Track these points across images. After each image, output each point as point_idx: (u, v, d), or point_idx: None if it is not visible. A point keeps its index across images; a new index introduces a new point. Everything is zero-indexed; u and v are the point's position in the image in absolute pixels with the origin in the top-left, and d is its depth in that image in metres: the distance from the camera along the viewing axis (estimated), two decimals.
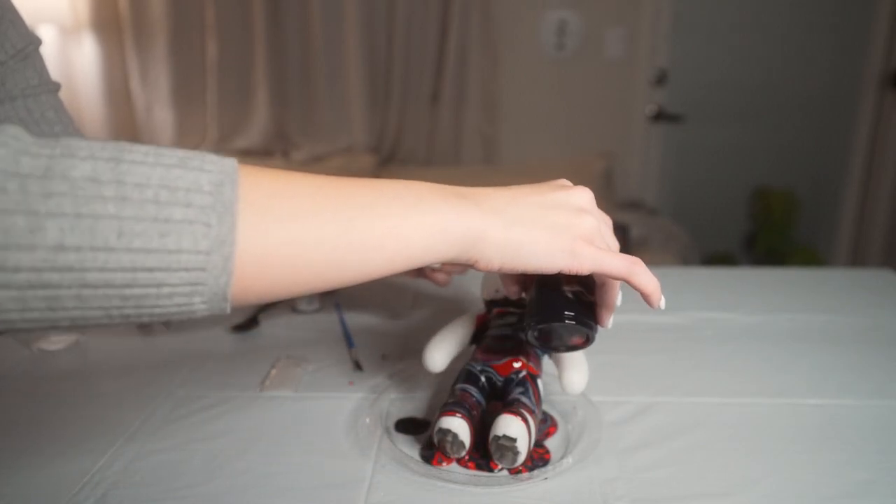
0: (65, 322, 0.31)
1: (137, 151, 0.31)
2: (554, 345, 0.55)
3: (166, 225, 0.30)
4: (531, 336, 0.53)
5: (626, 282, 0.45)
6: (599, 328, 0.52)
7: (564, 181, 0.48)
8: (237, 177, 0.33)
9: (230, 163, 0.33)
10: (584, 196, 0.46)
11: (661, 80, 2.60)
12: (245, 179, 0.33)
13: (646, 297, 0.46)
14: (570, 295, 0.51)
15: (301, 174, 0.36)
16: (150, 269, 0.30)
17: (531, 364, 0.63)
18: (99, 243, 0.29)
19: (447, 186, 0.42)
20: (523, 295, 0.57)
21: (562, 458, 0.60)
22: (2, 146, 0.28)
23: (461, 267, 0.80)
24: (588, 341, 0.52)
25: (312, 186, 0.36)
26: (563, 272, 0.43)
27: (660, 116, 2.63)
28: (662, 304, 0.47)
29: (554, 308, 0.50)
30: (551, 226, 0.42)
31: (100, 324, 0.32)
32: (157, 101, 2.58)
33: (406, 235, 0.38)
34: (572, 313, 0.50)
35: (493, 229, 0.40)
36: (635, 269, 0.44)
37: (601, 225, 0.46)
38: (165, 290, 0.31)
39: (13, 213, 0.28)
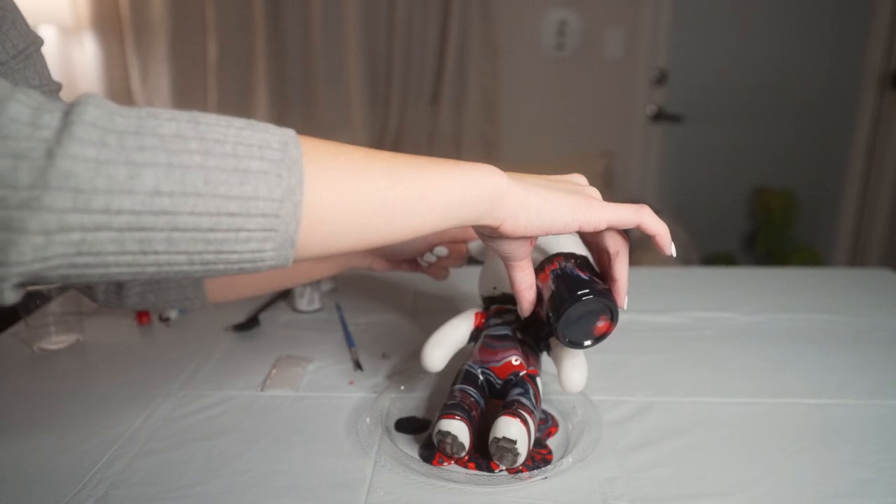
0: (151, 268, 0.34)
1: (210, 116, 0.35)
2: (582, 337, 0.55)
3: (245, 175, 0.34)
4: (559, 330, 0.54)
5: (638, 226, 0.49)
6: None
7: None
8: (298, 139, 0.37)
9: (289, 130, 0.37)
10: (581, 177, 0.53)
11: (660, 80, 2.60)
12: (305, 142, 0.37)
13: (656, 240, 0.50)
14: (583, 277, 0.54)
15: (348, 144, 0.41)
16: (232, 214, 0.34)
17: (530, 365, 0.63)
18: (189, 189, 0.33)
19: None
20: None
21: (562, 457, 0.60)
22: (96, 107, 0.32)
23: (459, 260, 0.80)
24: (613, 320, 0.54)
25: (362, 150, 0.41)
26: (583, 228, 0.47)
27: (659, 116, 2.63)
28: (673, 250, 0.51)
29: (572, 291, 0.53)
30: (564, 189, 0.48)
31: (181, 271, 0.35)
32: (157, 101, 2.58)
33: (444, 188, 0.42)
34: (588, 290, 0.52)
35: (517, 189, 0.45)
36: (643, 212, 0.49)
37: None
38: (243, 234, 0.34)
39: (115, 163, 0.31)
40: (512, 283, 0.55)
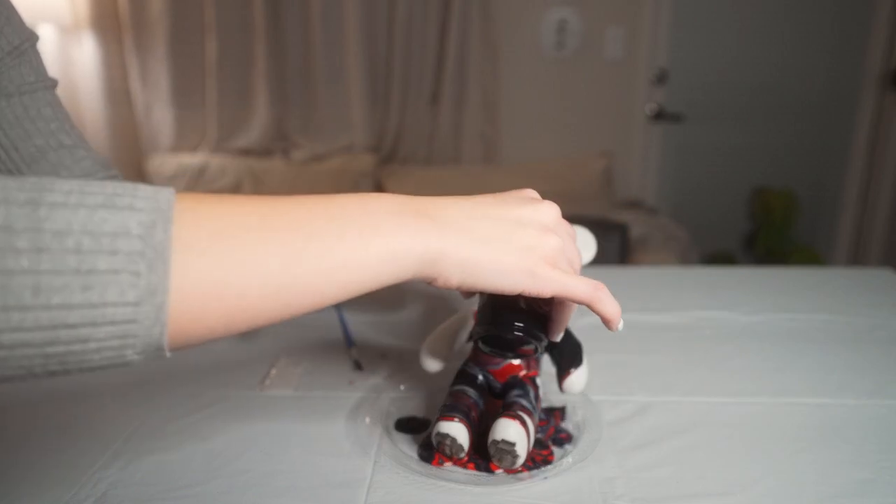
0: None
1: (59, 191, 0.28)
2: (502, 351, 0.55)
3: (88, 277, 0.28)
4: (480, 343, 0.54)
5: (588, 307, 0.44)
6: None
7: (531, 192, 0.46)
8: (171, 214, 0.30)
9: (165, 197, 0.30)
10: (550, 212, 0.44)
11: (661, 79, 2.60)
12: (181, 216, 0.30)
13: (606, 322, 0.45)
14: (522, 305, 0.50)
15: (247, 200, 0.34)
16: (73, 326, 0.28)
17: (530, 367, 0.63)
18: (11, 302, 0.27)
19: (405, 201, 0.40)
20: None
21: (561, 457, 0.60)
22: None
23: None
24: (536, 351, 0.53)
25: (257, 216, 0.33)
26: (524, 294, 0.42)
27: (660, 116, 2.63)
28: (621, 326, 0.46)
29: (504, 318, 0.50)
30: (513, 246, 0.41)
31: (25, 379, 0.29)
32: (157, 101, 2.58)
33: (359, 263, 0.36)
34: (521, 324, 0.49)
35: (451, 247, 0.39)
36: (598, 294, 0.43)
37: (565, 243, 0.44)
38: (92, 345, 0.29)
39: None
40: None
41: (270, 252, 0.33)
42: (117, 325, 0.29)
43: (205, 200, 0.32)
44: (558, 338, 0.51)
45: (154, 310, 0.29)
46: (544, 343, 0.51)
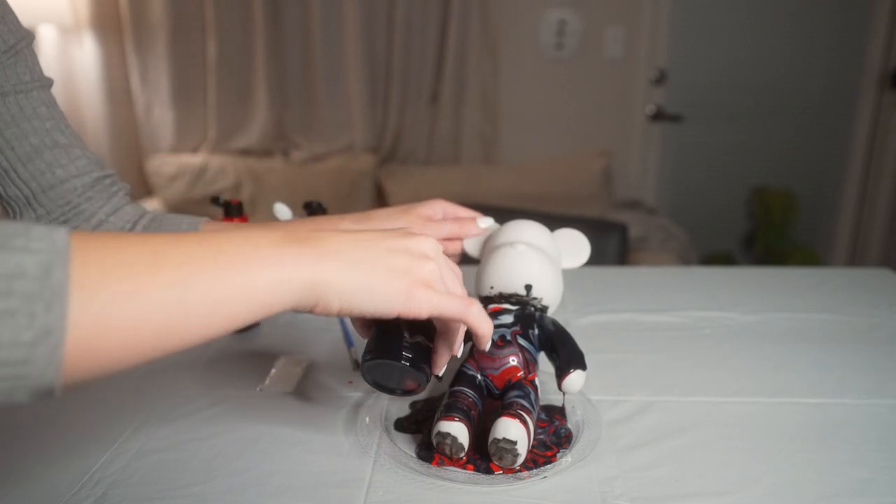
0: None
1: None
2: (388, 386, 0.54)
3: None
4: (364, 375, 0.53)
5: (463, 322, 0.47)
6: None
7: (411, 228, 0.50)
8: (68, 255, 0.30)
9: (61, 237, 0.30)
10: (427, 243, 0.46)
11: (660, 79, 2.60)
12: (77, 254, 0.31)
13: (476, 339, 0.49)
14: (407, 337, 0.51)
15: (140, 237, 0.36)
16: None
17: (529, 370, 0.63)
18: None
19: (288, 233, 0.42)
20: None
21: (561, 457, 0.60)
22: None
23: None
24: (420, 387, 0.53)
25: (149, 252, 0.34)
26: (401, 316, 0.44)
27: (659, 116, 2.63)
28: (487, 347, 0.51)
29: (389, 349, 0.51)
30: (390, 268, 0.43)
31: None
32: (157, 101, 2.58)
33: (245, 293, 0.37)
34: (410, 354, 0.51)
35: (329, 273, 0.41)
36: (471, 309, 0.46)
37: (441, 269, 0.46)
38: None
39: None
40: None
41: (162, 285, 0.34)
42: (10, 367, 0.28)
43: (99, 238, 0.33)
44: (440, 371, 0.53)
45: (48, 351, 0.29)
46: (427, 376, 0.52)
